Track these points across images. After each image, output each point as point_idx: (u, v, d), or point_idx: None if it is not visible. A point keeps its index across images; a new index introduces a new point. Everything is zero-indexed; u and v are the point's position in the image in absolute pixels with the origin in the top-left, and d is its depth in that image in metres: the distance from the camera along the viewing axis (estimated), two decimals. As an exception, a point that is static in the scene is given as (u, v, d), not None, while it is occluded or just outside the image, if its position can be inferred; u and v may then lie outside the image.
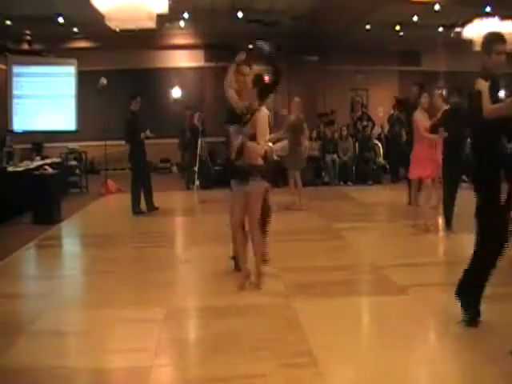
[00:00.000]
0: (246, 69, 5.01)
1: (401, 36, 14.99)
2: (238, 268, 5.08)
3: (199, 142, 11.96)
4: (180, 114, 14.06)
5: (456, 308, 4.19)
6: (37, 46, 15.16)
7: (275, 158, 4.55)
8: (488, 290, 3.85)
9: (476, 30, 11.62)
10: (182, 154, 13.81)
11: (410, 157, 7.37)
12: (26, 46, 15.16)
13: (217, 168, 12.41)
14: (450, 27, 13.89)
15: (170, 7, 9.63)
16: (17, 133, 13.61)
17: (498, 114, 3.56)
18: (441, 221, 7.27)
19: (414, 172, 7.33)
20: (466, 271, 3.90)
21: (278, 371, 3.24)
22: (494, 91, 3.69)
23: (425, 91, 7.59)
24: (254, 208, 4.64)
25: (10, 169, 9.11)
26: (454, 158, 6.74)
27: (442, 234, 7.09)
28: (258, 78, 4.75)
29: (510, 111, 3.54)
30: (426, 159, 7.05)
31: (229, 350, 3.55)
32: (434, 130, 6.91)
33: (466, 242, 5.16)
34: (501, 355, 3.41)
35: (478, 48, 5.32)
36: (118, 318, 4.20)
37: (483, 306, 3.83)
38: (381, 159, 13.16)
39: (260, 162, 4.63)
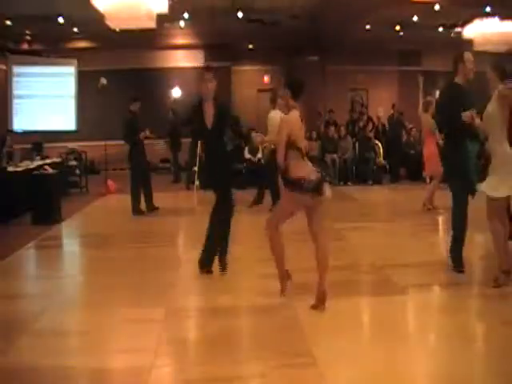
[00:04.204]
0: (208, 75, 5.07)
1: (401, 36, 15.00)
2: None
3: (199, 142, 11.95)
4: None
5: (455, 308, 4.20)
6: (37, 46, 15.18)
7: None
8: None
9: (476, 30, 11.65)
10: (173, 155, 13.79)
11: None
12: (26, 46, 15.19)
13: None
14: (450, 27, 13.90)
15: (170, 7, 9.65)
16: (17, 133, 13.63)
17: None
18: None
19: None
20: None
21: (278, 371, 3.24)
22: None
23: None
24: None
25: (10, 169, 9.10)
26: None
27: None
28: (291, 80, 4.48)
29: None
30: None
31: (229, 350, 3.55)
32: None
33: (467, 243, 5.18)
34: (501, 354, 3.41)
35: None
36: (118, 318, 4.19)
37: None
38: (381, 159, 13.16)
39: (294, 174, 4.32)
